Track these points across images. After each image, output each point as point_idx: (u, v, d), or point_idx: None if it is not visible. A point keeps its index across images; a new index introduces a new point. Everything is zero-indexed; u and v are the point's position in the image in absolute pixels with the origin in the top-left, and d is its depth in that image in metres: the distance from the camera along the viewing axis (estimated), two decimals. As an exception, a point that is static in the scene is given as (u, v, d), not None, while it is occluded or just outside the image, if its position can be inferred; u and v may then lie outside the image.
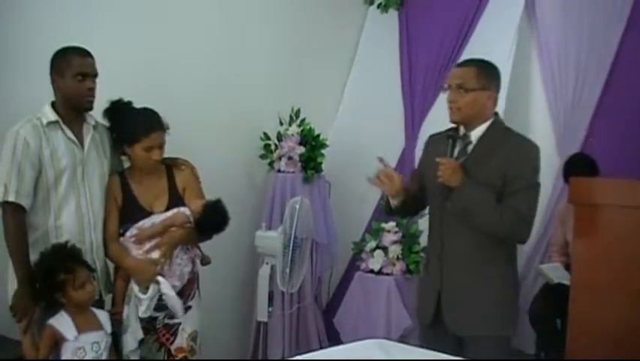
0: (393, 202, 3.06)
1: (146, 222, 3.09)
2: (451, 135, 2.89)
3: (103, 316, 2.92)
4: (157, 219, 3.10)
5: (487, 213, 2.77)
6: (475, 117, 2.86)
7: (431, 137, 3.09)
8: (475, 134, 2.87)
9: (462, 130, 2.90)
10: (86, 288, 2.82)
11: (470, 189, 2.77)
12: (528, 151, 2.84)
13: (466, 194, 2.77)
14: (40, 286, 2.83)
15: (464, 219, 2.81)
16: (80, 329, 2.80)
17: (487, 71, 2.87)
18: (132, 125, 3.10)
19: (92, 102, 3.02)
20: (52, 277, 2.78)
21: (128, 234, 3.09)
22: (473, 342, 2.83)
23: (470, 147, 2.87)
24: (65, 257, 2.83)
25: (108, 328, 2.91)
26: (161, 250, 3.05)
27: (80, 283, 2.80)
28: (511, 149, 2.82)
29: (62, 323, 2.79)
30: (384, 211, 3.19)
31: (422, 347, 2.62)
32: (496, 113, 2.91)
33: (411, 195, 3.08)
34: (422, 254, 4.07)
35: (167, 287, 3.04)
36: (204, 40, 4.17)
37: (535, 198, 2.83)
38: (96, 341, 2.82)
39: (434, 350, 2.53)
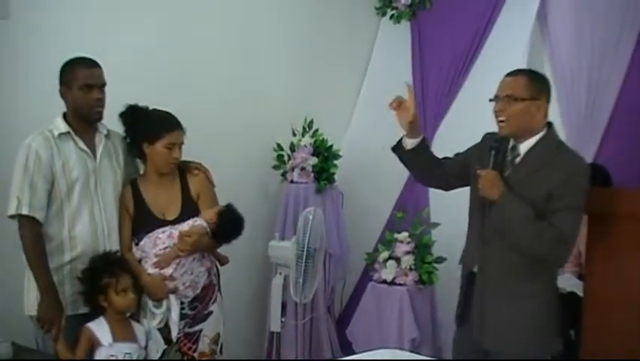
0: (407, 141, 2.97)
1: (160, 235, 3.11)
2: (494, 147, 2.79)
3: (140, 330, 2.96)
4: (174, 233, 3.11)
5: (525, 230, 2.67)
6: (525, 129, 2.76)
7: (489, 134, 2.94)
8: (525, 146, 2.77)
9: (512, 142, 2.81)
10: (127, 294, 2.88)
11: (510, 203, 2.68)
12: (577, 171, 2.72)
13: (505, 208, 2.69)
14: (86, 288, 2.89)
15: (502, 236, 2.73)
16: (116, 338, 2.84)
17: (536, 81, 2.79)
18: (154, 122, 3.12)
19: (100, 112, 3.03)
20: (97, 280, 2.85)
21: (141, 243, 3.12)
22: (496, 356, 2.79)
23: (518, 160, 2.78)
24: (111, 262, 2.91)
25: (143, 342, 2.94)
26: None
27: (122, 289, 2.86)
28: (560, 166, 2.70)
29: (100, 328, 2.85)
30: (394, 148, 3.04)
31: (435, 357, 2.63)
32: (549, 125, 2.82)
33: (432, 158, 3.04)
34: (435, 265, 4.08)
35: (175, 310, 3.08)
36: (217, 53, 4.20)
37: (576, 221, 2.72)
38: (129, 352, 2.86)
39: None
